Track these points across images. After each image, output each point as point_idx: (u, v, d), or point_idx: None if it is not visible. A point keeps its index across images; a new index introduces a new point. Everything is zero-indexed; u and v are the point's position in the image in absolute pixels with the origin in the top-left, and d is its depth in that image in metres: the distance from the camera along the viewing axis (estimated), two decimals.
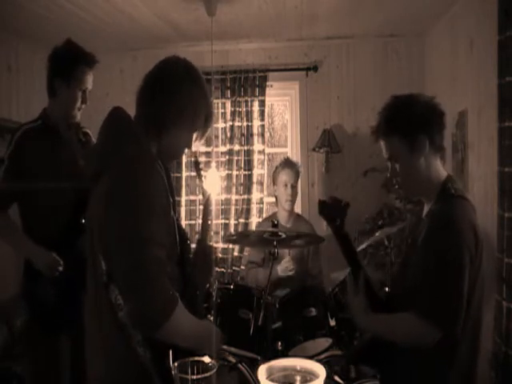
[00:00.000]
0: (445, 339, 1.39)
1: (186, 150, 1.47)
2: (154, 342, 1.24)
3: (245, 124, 3.94)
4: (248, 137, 3.94)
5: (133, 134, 1.33)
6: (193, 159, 1.64)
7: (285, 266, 2.95)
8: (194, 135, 1.44)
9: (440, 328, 1.38)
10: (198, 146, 1.50)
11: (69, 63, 2.05)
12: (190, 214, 3.99)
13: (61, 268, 1.94)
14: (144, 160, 1.30)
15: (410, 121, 1.53)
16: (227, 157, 3.98)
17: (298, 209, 3.77)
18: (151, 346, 1.25)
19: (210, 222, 1.66)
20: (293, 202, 3.19)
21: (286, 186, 3.14)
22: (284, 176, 3.16)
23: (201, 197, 3.96)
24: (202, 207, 1.69)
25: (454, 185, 1.53)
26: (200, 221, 3.65)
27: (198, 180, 1.69)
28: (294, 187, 3.16)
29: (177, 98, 1.36)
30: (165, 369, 1.24)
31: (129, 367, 1.27)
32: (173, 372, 1.05)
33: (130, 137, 1.33)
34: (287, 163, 3.22)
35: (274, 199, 4.14)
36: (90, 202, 1.35)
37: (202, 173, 1.64)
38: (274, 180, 3.25)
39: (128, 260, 1.18)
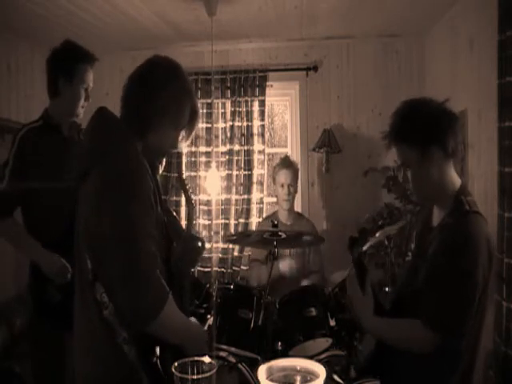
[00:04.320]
0: (448, 348, 1.41)
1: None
2: (139, 339, 1.24)
3: (245, 124, 3.94)
4: (248, 137, 3.94)
5: (121, 133, 1.34)
6: (178, 172, 1.69)
7: (287, 263, 3.02)
8: (180, 135, 1.45)
9: (444, 337, 1.40)
10: (184, 146, 1.51)
11: (71, 62, 2.07)
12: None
13: (69, 275, 1.94)
14: (133, 158, 1.31)
15: (421, 129, 1.49)
16: (227, 157, 3.98)
17: (298, 208, 3.78)
18: (137, 344, 1.25)
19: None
20: (289, 201, 3.27)
21: (282, 186, 3.25)
22: (280, 176, 3.26)
23: (201, 197, 3.97)
24: (188, 211, 1.74)
25: (467, 197, 1.49)
26: (199, 220, 3.68)
27: (181, 186, 1.73)
28: (290, 187, 3.25)
29: (160, 96, 1.37)
30: (151, 367, 1.25)
31: (114, 365, 1.28)
32: (173, 372, 1.05)
33: (119, 135, 1.34)
34: (284, 163, 3.32)
35: (274, 199, 4.17)
36: (78, 201, 1.35)
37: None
38: (273, 180, 3.37)
39: (120, 256, 1.19)
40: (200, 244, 1.68)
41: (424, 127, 1.49)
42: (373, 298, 1.59)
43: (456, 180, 1.55)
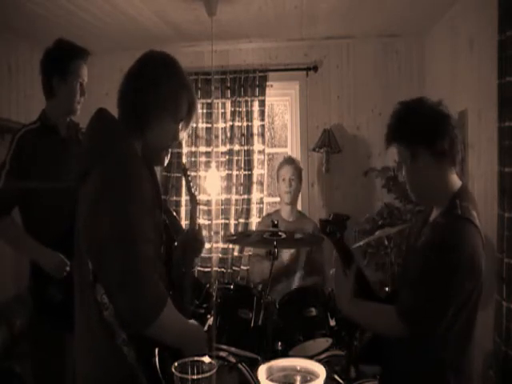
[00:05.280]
0: (424, 342, 1.44)
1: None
2: (139, 341, 1.24)
3: (245, 124, 3.94)
4: (248, 137, 3.94)
5: (120, 134, 1.34)
6: (182, 167, 1.69)
7: (288, 254, 3.10)
8: (180, 126, 1.44)
9: (411, 329, 1.43)
10: (182, 136, 1.51)
11: (63, 59, 2.06)
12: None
13: (68, 268, 1.95)
14: (133, 158, 1.31)
15: (410, 131, 1.53)
16: (227, 157, 3.98)
17: (298, 208, 3.78)
18: (136, 346, 1.25)
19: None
20: (290, 193, 3.30)
21: (284, 180, 3.31)
22: (282, 171, 3.33)
23: (200, 197, 3.97)
24: (192, 207, 1.76)
25: (462, 202, 1.48)
26: (199, 220, 3.70)
27: (185, 184, 1.76)
28: (291, 181, 3.29)
29: (157, 90, 1.36)
30: (150, 368, 1.25)
31: (114, 366, 1.27)
32: (173, 372, 1.05)
33: (118, 136, 1.33)
34: (286, 161, 3.40)
35: (273, 199, 4.17)
36: (78, 202, 1.35)
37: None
38: (277, 178, 3.42)
39: (119, 257, 1.19)
40: (201, 238, 1.69)
41: (414, 127, 1.52)
42: (359, 283, 1.60)
43: (454, 182, 1.55)
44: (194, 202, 1.76)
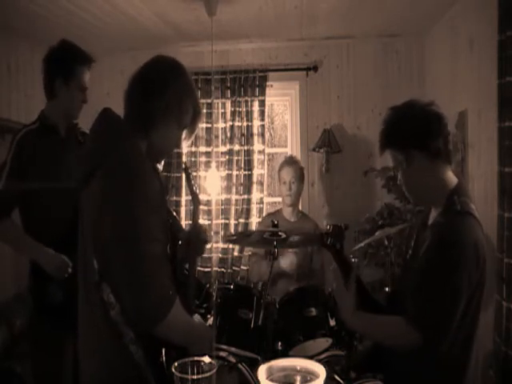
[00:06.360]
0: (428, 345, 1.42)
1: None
2: (146, 340, 1.24)
3: (245, 124, 3.94)
4: (248, 137, 3.94)
5: (125, 134, 1.34)
6: (183, 166, 1.70)
7: (289, 260, 3.08)
8: (183, 134, 1.45)
9: (426, 336, 1.40)
10: (186, 145, 1.52)
11: (68, 63, 2.05)
12: (190, 214, 3.99)
13: (70, 270, 1.94)
14: (138, 158, 1.31)
15: (403, 136, 1.53)
16: (227, 157, 3.98)
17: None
18: (143, 344, 1.25)
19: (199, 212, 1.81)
20: (291, 196, 3.29)
21: (284, 183, 3.30)
22: (283, 173, 3.32)
23: (200, 197, 3.96)
24: (194, 207, 1.77)
25: (460, 197, 1.48)
26: (200, 220, 3.71)
27: (187, 183, 1.77)
28: (292, 183, 3.28)
29: (162, 96, 1.36)
30: (157, 367, 1.25)
31: (120, 365, 1.27)
32: (173, 372, 1.05)
33: (123, 136, 1.33)
34: (286, 162, 3.38)
35: (273, 199, 4.17)
36: (81, 202, 1.35)
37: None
38: (278, 179, 3.43)
39: (126, 257, 1.19)
40: (204, 237, 1.70)
41: (406, 132, 1.53)
42: (360, 294, 1.59)
43: (450, 180, 1.55)
44: (196, 202, 1.76)
